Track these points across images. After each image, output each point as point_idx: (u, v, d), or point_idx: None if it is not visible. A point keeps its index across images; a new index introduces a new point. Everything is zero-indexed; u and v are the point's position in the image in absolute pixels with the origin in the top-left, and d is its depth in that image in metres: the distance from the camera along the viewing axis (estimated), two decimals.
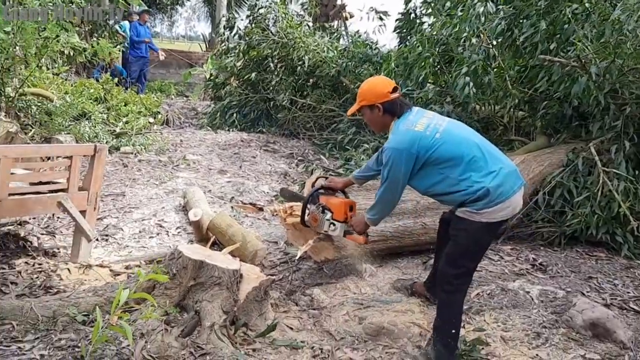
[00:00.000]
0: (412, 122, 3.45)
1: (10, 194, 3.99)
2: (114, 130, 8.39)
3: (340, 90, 9.90)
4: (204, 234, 5.06)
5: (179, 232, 5.40)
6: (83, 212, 4.43)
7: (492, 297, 4.31)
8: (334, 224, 4.05)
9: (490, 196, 3.28)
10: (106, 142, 7.81)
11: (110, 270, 4.42)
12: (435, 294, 4.24)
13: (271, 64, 10.26)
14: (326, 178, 4.34)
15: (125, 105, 9.45)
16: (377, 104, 3.55)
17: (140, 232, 5.34)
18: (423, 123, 3.45)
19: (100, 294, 3.80)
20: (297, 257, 4.26)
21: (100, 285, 4.05)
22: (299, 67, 9.85)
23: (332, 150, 8.95)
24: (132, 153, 7.69)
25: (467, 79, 6.19)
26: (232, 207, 5.97)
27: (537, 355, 3.66)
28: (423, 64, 6.94)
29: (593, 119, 5.88)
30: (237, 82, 10.76)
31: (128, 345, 3.25)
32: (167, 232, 5.39)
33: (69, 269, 4.37)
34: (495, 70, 6.62)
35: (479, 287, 4.47)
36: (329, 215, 4.05)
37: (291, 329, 4.01)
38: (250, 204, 5.40)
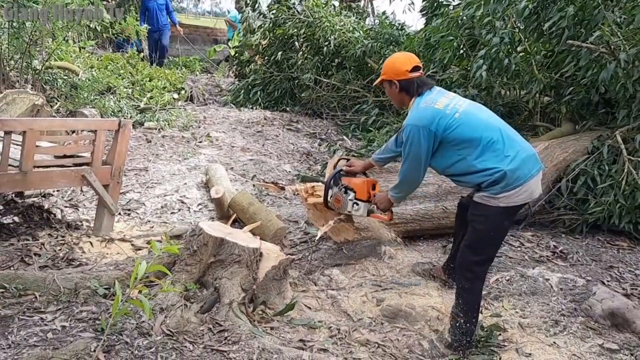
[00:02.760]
0: (433, 100, 3.47)
1: (35, 167, 4.04)
2: (138, 106, 8.43)
3: (365, 71, 9.81)
4: (225, 212, 5.09)
5: (200, 209, 5.44)
6: (106, 187, 4.48)
7: (511, 284, 4.29)
8: (357, 204, 4.06)
9: (507, 180, 3.27)
10: (130, 117, 7.86)
11: (132, 245, 4.48)
12: (454, 278, 4.23)
13: (296, 43, 10.20)
14: (347, 159, 4.33)
15: (150, 80, 9.48)
16: (395, 81, 3.59)
17: (162, 207, 5.39)
18: (443, 102, 3.46)
19: (121, 268, 3.85)
20: (317, 238, 4.27)
21: (121, 259, 4.12)
22: (324, 47, 9.77)
23: (355, 131, 8.90)
24: (155, 128, 7.73)
25: (481, 62, 6.11)
26: (253, 185, 5.99)
27: (554, 342, 3.65)
28: (446, 46, 6.84)
29: (620, 107, 5.77)
30: (261, 60, 10.72)
31: (148, 320, 3.29)
32: (189, 208, 5.43)
33: (91, 242, 4.43)
34: (521, 54, 6.51)
35: (498, 273, 4.44)
36: (351, 195, 4.07)
37: (309, 308, 4.03)
38: (273, 182, 5.41)
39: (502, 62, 6.03)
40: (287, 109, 10.05)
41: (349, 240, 4.57)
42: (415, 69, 3.57)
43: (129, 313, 3.21)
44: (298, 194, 4.66)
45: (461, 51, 6.92)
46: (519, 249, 4.92)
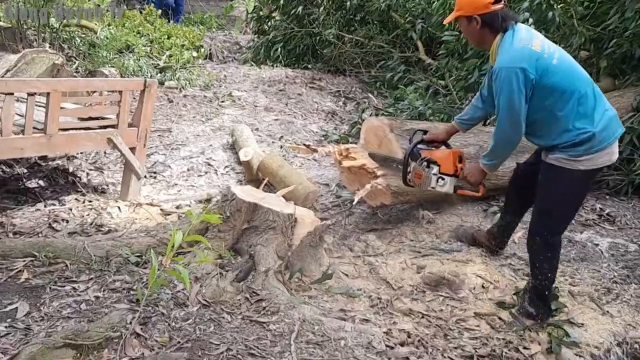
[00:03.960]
0: (527, 39, 3.10)
1: (60, 129, 3.87)
2: (158, 64, 8.20)
3: (390, 25, 9.47)
4: (254, 174, 4.92)
5: (227, 172, 5.27)
6: (132, 149, 4.31)
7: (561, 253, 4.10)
8: (443, 178, 3.62)
9: (593, 141, 3.02)
10: (150, 77, 7.64)
11: (161, 210, 4.33)
12: (501, 246, 4.05)
13: None
14: (424, 132, 3.91)
15: (168, 38, 9.21)
16: (475, 16, 3.19)
17: (188, 170, 5.23)
18: (538, 43, 3.10)
19: (152, 235, 3.70)
20: (354, 203, 4.07)
21: (151, 225, 3.97)
22: (348, 1, 9.41)
23: (380, 89, 8.62)
24: (176, 88, 7.51)
25: (527, 14, 5.77)
26: (281, 147, 5.79)
27: (607, 311, 3.48)
28: None
29: None
30: (280, 15, 10.35)
31: (183, 289, 3.15)
32: (216, 171, 5.26)
33: (119, 207, 4.29)
34: (561, 5, 6.16)
35: None
36: (435, 169, 3.63)
37: (346, 275, 3.88)
38: (304, 144, 5.21)
39: (546, 14, 5.69)
40: (309, 66, 9.75)
41: (386, 205, 4.38)
42: (498, 0, 3.20)
43: (164, 283, 3.07)
44: (331, 156, 4.47)
45: None
46: None
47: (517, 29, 3.18)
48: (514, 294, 3.61)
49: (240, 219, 3.73)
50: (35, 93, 3.68)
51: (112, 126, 4.16)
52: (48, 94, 3.71)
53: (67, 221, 3.97)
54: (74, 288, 3.09)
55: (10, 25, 7.27)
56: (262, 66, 9.56)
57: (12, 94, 3.58)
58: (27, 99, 3.67)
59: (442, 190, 3.71)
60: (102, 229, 3.94)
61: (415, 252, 4.14)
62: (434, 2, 8.25)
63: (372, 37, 9.41)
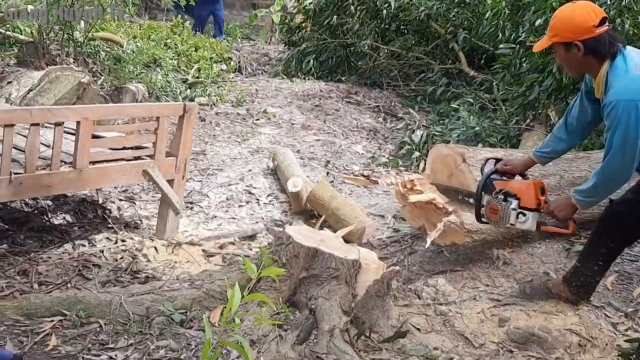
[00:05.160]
0: None
1: (91, 162, 3.40)
2: (186, 79, 7.75)
3: (429, 36, 8.97)
4: (302, 206, 4.43)
5: (270, 201, 4.78)
6: (170, 182, 3.84)
7: None
8: (524, 214, 3.16)
9: None
10: (179, 92, 7.20)
11: (203, 251, 3.84)
12: (586, 295, 3.49)
13: (352, 7, 9.36)
14: (497, 160, 3.45)
15: (195, 50, 8.78)
16: (576, 42, 2.76)
17: (227, 199, 4.75)
18: None
19: (197, 286, 3.21)
20: (426, 246, 3.54)
21: (194, 271, 3.48)
22: (384, 10, 8.92)
23: (421, 103, 8.11)
24: (207, 104, 7.05)
25: None
26: (327, 173, 5.28)
27: None
28: (542, 6, 5.95)
29: None
30: (311, 26, 9.87)
31: (239, 357, 2.66)
32: (258, 200, 4.77)
33: (155, 248, 3.81)
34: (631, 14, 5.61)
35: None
36: (514, 203, 3.16)
37: (417, 329, 3.36)
38: (362, 174, 4.71)
39: (614, 20, 5.14)
40: (343, 79, 9.26)
41: (456, 244, 3.87)
42: (603, 21, 2.76)
43: (219, 356, 2.58)
44: (393, 188, 3.96)
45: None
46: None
47: (628, 53, 2.78)
48: (618, 355, 3.08)
49: (297, 267, 3.24)
50: (63, 122, 3.22)
51: (149, 156, 3.69)
52: (78, 122, 3.24)
53: (99, 266, 3.49)
54: (111, 358, 2.60)
55: (32, 40, 6.85)
56: (294, 79, 9.09)
57: (38, 124, 3.12)
58: (54, 129, 3.20)
59: (523, 228, 3.24)
60: (139, 275, 3.46)
61: (494, 300, 3.60)
62: (479, 12, 7.77)
63: (410, 48, 8.92)
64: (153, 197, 4.71)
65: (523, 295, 3.60)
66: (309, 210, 4.47)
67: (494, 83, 7.17)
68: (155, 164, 3.67)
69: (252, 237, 4.12)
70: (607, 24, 2.81)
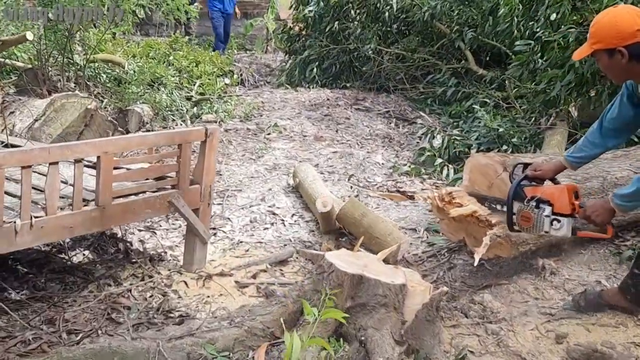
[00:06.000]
0: None
1: (114, 198, 3.20)
2: (190, 96, 7.55)
3: (433, 36, 8.79)
4: (332, 225, 4.23)
5: (295, 221, 4.57)
6: (196, 211, 3.63)
7: None
8: (558, 220, 3.00)
9: None
10: (186, 111, 7.01)
11: (235, 282, 3.63)
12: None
13: (352, 11, 9.18)
14: (526, 165, 3.28)
15: (196, 65, 8.59)
16: (620, 48, 2.60)
17: (251, 222, 4.54)
18: None
19: (238, 324, 2.99)
20: (475, 264, 3.34)
21: (232, 308, 3.27)
22: (386, 12, 8.74)
23: (432, 106, 7.94)
24: (215, 121, 6.85)
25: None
26: (351, 187, 5.08)
27: None
28: (556, 0, 5.75)
29: None
30: (312, 33, 9.66)
31: None
32: (283, 220, 4.56)
33: (185, 282, 3.60)
34: None
35: None
36: (547, 209, 3.01)
37: (471, 352, 3.17)
38: (398, 191, 4.52)
39: None
40: (348, 85, 9.09)
41: (502, 257, 3.67)
42: None
43: None
44: (430, 202, 3.77)
45: (574, 3, 5.74)
46: None
47: None
48: None
49: (342, 296, 3.03)
50: (83, 159, 3.01)
51: (173, 186, 3.48)
52: (98, 157, 3.04)
53: (129, 308, 3.28)
54: None
55: (30, 66, 6.65)
56: (298, 88, 8.91)
57: (57, 163, 2.91)
58: (74, 167, 2.99)
59: (559, 235, 3.08)
60: (172, 314, 3.25)
61: (547, 314, 3.41)
62: (484, 9, 7.58)
63: (415, 49, 8.75)
64: (173, 224, 4.52)
65: (577, 308, 3.41)
66: (337, 229, 4.27)
67: (506, 81, 7.01)
68: (179, 194, 3.46)
69: (283, 262, 3.92)
70: None
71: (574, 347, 3.09)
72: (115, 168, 3.27)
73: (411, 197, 3.68)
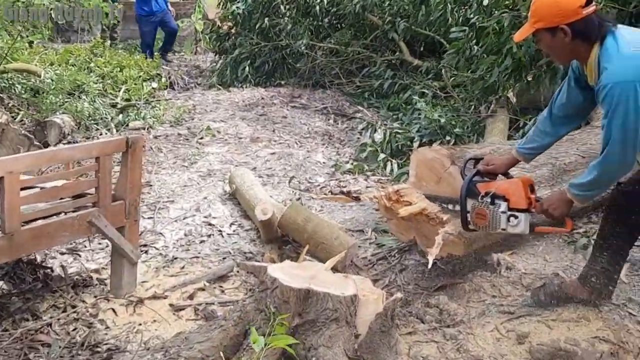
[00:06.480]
0: (638, 40, 2.44)
1: (24, 223, 2.82)
2: (115, 103, 7.09)
3: (365, 28, 8.61)
4: (274, 232, 3.94)
5: (234, 231, 4.26)
6: (121, 229, 3.27)
7: None
8: (515, 216, 2.87)
9: None
10: (111, 119, 6.56)
11: (170, 305, 3.29)
12: (605, 294, 3.16)
13: (282, 7, 8.90)
14: (477, 160, 3.13)
15: (121, 70, 8.12)
16: (563, 26, 2.49)
17: (185, 235, 4.20)
18: None
19: (173, 354, 2.68)
20: (429, 266, 3.10)
21: (167, 336, 2.94)
22: (317, 6, 8.50)
23: (369, 99, 7.74)
24: (143, 128, 6.43)
25: None
26: (294, 191, 4.79)
27: None
28: None
29: None
30: (242, 31, 9.31)
31: None
32: (220, 231, 4.24)
33: (113, 310, 3.25)
34: None
35: None
36: (503, 205, 2.87)
37: None
38: (342, 192, 4.25)
39: None
40: (282, 82, 8.81)
41: (454, 256, 3.47)
42: (589, 2, 2.48)
43: None
44: (376, 201, 3.52)
45: None
46: None
47: (618, 32, 2.51)
48: None
49: (289, 314, 2.75)
50: None
51: (93, 204, 3.12)
52: (1, 178, 2.66)
53: (49, 345, 2.90)
54: None
55: None
56: (231, 88, 8.58)
57: None
58: None
59: (516, 231, 2.94)
60: (99, 349, 2.90)
61: (506, 312, 3.22)
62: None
63: (348, 43, 8.54)
64: (99, 243, 4.12)
65: (537, 303, 3.24)
66: (280, 237, 3.98)
67: (443, 70, 6.88)
68: (101, 212, 3.10)
69: (222, 278, 3.60)
70: (593, 3, 2.53)
71: (537, 347, 2.91)
72: (25, 188, 2.90)
73: (357, 198, 3.42)
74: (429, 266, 3.06)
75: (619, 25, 2.56)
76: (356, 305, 2.82)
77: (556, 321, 3.10)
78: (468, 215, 2.98)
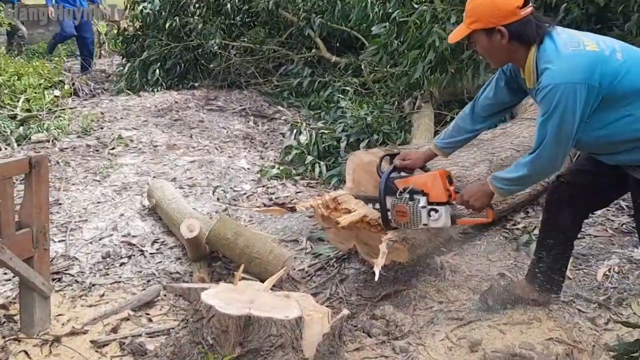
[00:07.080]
0: (576, 41, 2.37)
1: None
2: (15, 115, 6.51)
3: (280, 25, 8.37)
4: (203, 250, 3.63)
5: (158, 249, 3.91)
6: (29, 260, 2.88)
7: (627, 277, 3.23)
8: (436, 210, 2.80)
9: None
10: (10, 132, 6.00)
11: (92, 342, 2.93)
12: (554, 291, 3.10)
13: (191, 6, 8.52)
14: (392, 155, 3.03)
15: (19, 79, 7.49)
16: (499, 27, 2.42)
17: (103, 258, 3.81)
18: (591, 42, 2.37)
19: None
20: (376, 278, 2.90)
21: None
22: (228, 4, 8.18)
23: (289, 99, 7.52)
24: (47, 141, 5.92)
25: None
26: (218, 199, 4.49)
27: None
28: None
29: None
30: (151, 32, 8.83)
31: None
32: (142, 251, 3.88)
33: (26, 352, 2.85)
34: None
35: (598, 264, 3.37)
36: (422, 200, 2.80)
37: None
38: (275, 204, 3.98)
39: None
40: (196, 84, 8.45)
41: (399, 263, 3.30)
42: (526, 2, 2.41)
43: None
44: (313, 210, 3.30)
45: None
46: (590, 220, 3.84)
47: (555, 32, 2.46)
48: (613, 357, 2.67)
49: (229, 344, 2.49)
50: None
51: None
52: None
53: None
54: None
55: None
56: (141, 93, 8.12)
57: None
58: None
59: (438, 225, 2.88)
60: None
61: (455, 319, 3.09)
62: None
63: (262, 41, 8.28)
64: (5, 273, 3.68)
65: (486, 307, 3.13)
66: (209, 253, 3.69)
67: (362, 66, 6.75)
68: (3, 244, 2.71)
69: (149, 304, 3.27)
70: (530, 4, 2.45)
71: (492, 355, 2.82)
72: None
73: (292, 209, 3.18)
74: (376, 278, 2.85)
75: (559, 28, 2.50)
76: (301, 327, 2.59)
77: (508, 325, 3.01)
78: (389, 213, 2.90)
